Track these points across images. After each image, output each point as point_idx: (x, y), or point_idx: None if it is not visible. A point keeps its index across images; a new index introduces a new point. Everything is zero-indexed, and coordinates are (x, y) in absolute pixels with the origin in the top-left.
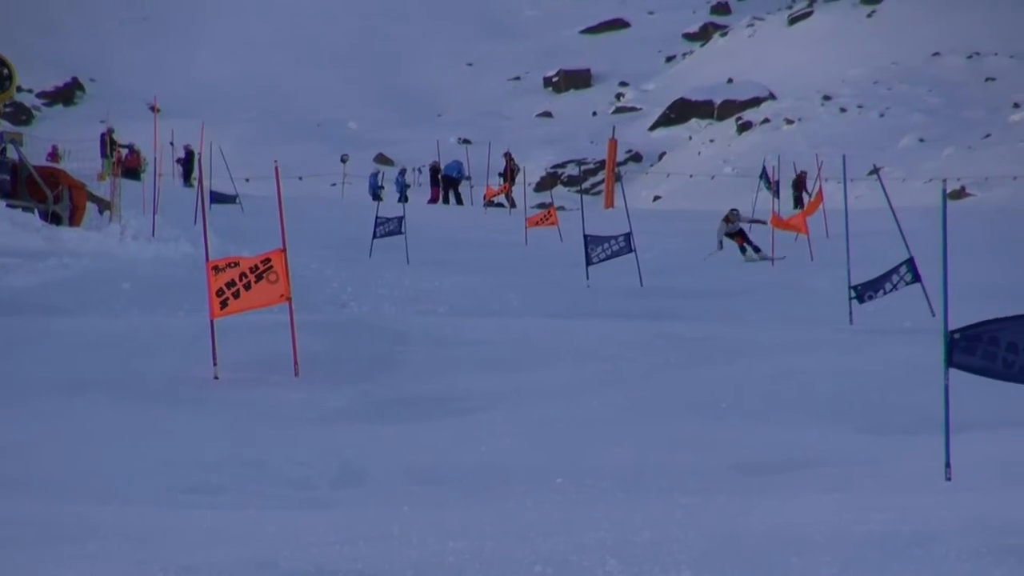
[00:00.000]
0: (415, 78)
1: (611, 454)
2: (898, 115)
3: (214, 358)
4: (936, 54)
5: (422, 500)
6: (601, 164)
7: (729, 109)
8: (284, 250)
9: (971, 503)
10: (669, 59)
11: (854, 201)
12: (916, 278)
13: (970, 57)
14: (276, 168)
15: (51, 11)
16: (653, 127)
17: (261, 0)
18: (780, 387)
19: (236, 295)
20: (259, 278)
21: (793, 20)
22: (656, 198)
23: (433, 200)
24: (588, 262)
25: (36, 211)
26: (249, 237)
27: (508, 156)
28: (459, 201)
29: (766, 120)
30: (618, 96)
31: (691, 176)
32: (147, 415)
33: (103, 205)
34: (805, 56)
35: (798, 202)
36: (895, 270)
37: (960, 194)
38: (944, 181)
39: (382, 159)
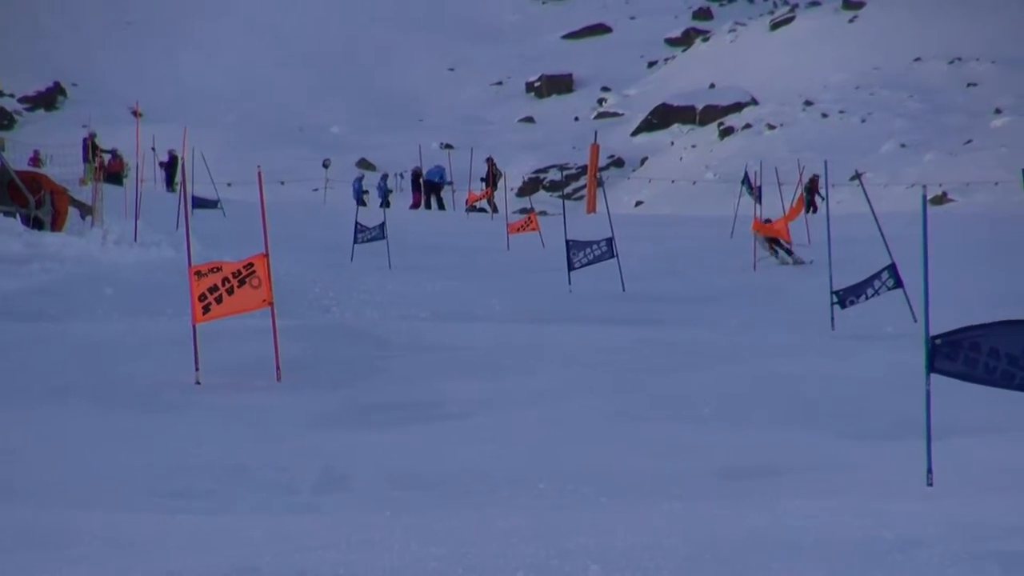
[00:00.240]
0: (397, 83)
1: (593, 459)
2: (880, 120)
3: (196, 363)
4: (918, 59)
5: (404, 505)
6: (583, 169)
7: (711, 114)
8: (267, 255)
9: (953, 508)
10: (651, 64)
11: (836, 207)
12: (898, 283)
13: (952, 63)
14: (259, 173)
15: (33, 15)
16: (635, 132)
17: (244, 5)
18: (762, 392)
19: (219, 300)
20: (242, 283)
21: (775, 25)
22: (638, 203)
23: (415, 205)
24: (570, 267)
25: (18, 216)
26: (231, 242)
27: (490, 161)
28: (441, 206)
29: (748, 125)
30: (600, 101)
31: (673, 181)
32: (130, 420)
33: (85, 210)
34: (787, 61)
35: (811, 205)
36: (877, 275)
37: (942, 200)
38: (925, 187)
39: (364, 164)
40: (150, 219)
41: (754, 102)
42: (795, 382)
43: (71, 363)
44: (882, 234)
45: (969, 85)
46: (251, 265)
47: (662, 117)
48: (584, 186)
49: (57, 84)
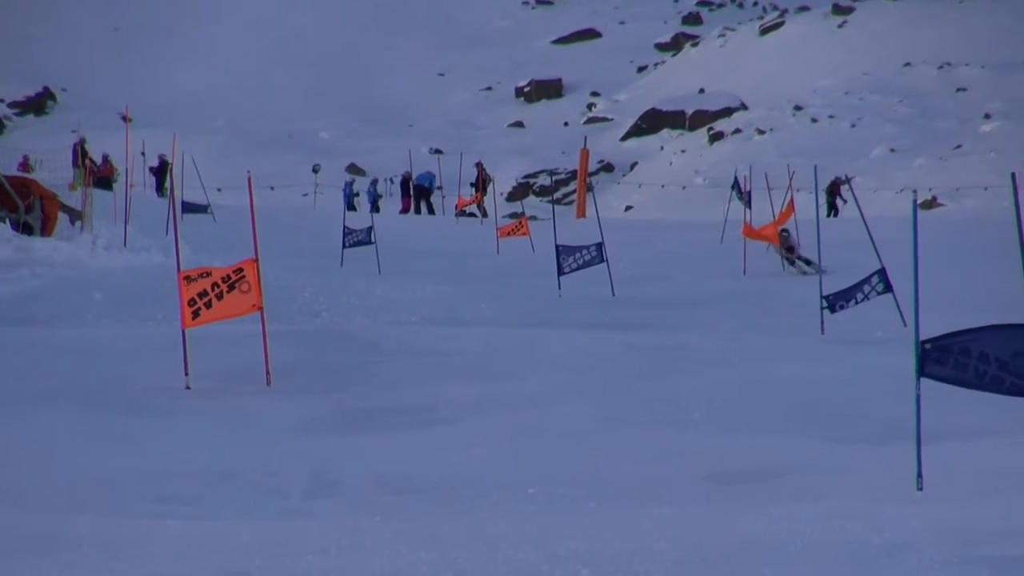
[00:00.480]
0: (386, 88)
1: (583, 464)
2: (869, 125)
3: (186, 368)
4: (907, 64)
5: (394, 510)
6: (573, 174)
7: (701, 119)
8: (256, 260)
9: (943, 513)
10: (641, 69)
11: (825, 211)
12: (887, 288)
13: (941, 67)
14: (248, 178)
15: (23, 21)
16: (625, 137)
17: (233, 11)
18: (752, 397)
19: (208, 305)
20: (231, 288)
21: (764, 30)
22: (628, 208)
23: (404, 210)
24: (560, 272)
25: (7, 221)
26: (221, 247)
27: (480, 166)
28: (431, 211)
29: (737, 130)
30: (590, 106)
31: (663, 186)
32: (119, 425)
33: (75, 215)
34: (776, 66)
35: (832, 208)
36: (867, 280)
37: (931, 204)
38: (915, 191)
39: (354, 169)
40: (140, 224)
41: (744, 107)
42: (785, 386)
43: (60, 368)
44: (872, 239)
45: (959, 90)
46: (241, 270)
47: (652, 122)
48: (574, 191)
49: (47, 89)
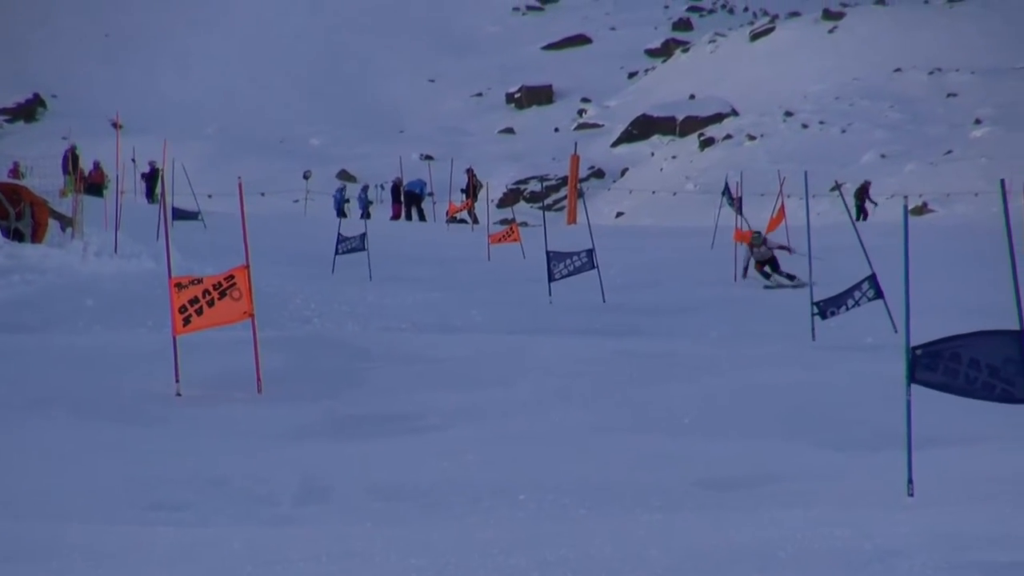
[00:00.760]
0: (377, 94)
1: (573, 470)
2: (860, 131)
3: (177, 375)
4: (898, 70)
5: (384, 517)
6: (563, 180)
7: (691, 125)
8: (247, 267)
9: (933, 519)
10: (631, 75)
11: (816, 217)
12: (878, 294)
13: (932, 73)
14: (239, 184)
15: (12, 27)
16: (615, 143)
17: (223, 17)
18: (742, 403)
19: (199, 312)
20: (222, 295)
21: (755, 36)
22: (619, 214)
23: (395, 216)
24: (551, 278)
25: None
26: (212, 254)
27: (470, 172)
28: (422, 217)
29: (728, 136)
30: (580, 112)
31: (654, 192)
32: (109, 432)
33: (65, 222)
34: (767, 72)
35: (861, 212)
36: (857, 286)
37: (922, 210)
38: (906, 197)
39: (345, 175)
40: (130, 231)
41: (734, 113)
42: (775, 393)
43: (51, 375)
44: (862, 245)
45: (949, 95)
46: (232, 277)
47: (642, 128)
48: (564, 197)
49: (37, 96)
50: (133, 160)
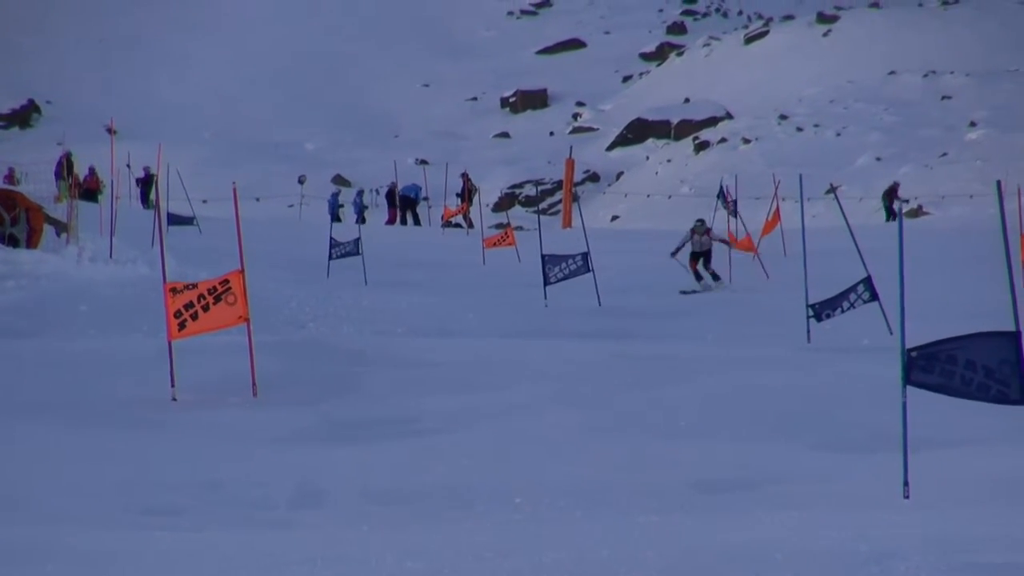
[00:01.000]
0: (372, 99)
1: (569, 473)
2: (855, 134)
3: (172, 380)
4: (892, 73)
5: (380, 521)
6: (558, 184)
7: (686, 129)
8: (242, 271)
9: (929, 521)
10: (626, 79)
11: (811, 220)
12: (873, 296)
13: (926, 75)
14: (234, 189)
15: (7, 33)
16: (610, 147)
17: (217, 22)
18: (738, 405)
19: (194, 317)
20: (217, 300)
21: (749, 39)
22: (614, 218)
23: (391, 221)
24: (546, 282)
25: None
26: (207, 258)
27: (465, 176)
28: (417, 222)
29: (723, 139)
30: (575, 116)
31: (648, 196)
32: (105, 437)
33: (60, 227)
34: (761, 75)
35: (890, 212)
36: (852, 288)
37: (917, 213)
38: (902, 200)
39: (339, 180)
40: (125, 236)
41: (729, 116)
42: (771, 395)
43: (46, 380)
44: (857, 247)
45: (944, 98)
46: (227, 281)
47: (637, 132)
48: (560, 201)
49: (31, 102)
50: (128, 165)
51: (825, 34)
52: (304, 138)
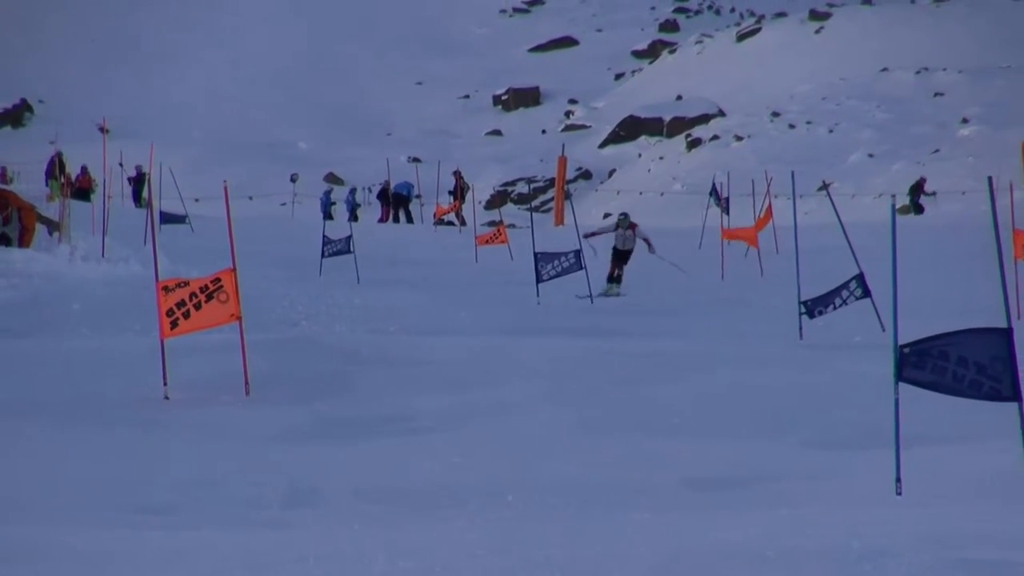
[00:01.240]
0: (364, 97)
1: (561, 471)
2: (847, 131)
3: (164, 378)
4: (885, 70)
5: (373, 519)
6: (551, 182)
7: (678, 126)
8: (234, 270)
9: (922, 518)
10: (618, 77)
11: (804, 217)
12: (866, 293)
13: (919, 72)
14: (226, 188)
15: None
16: (603, 144)
17: (210, 22)
18: (730, 403)
19: (186, 315)
20: (209, 298)
21: (741, 37)
22: (606, 215)
23: (383, 219)
24: (538, 279)
25: None
26: (199, 257)
27: (458, 174)
28: (409, 219)
29: (715, 137)
30: (567, 114)
31: (641, 193)
32: (97, 436)
33: (53, 226)
34: (754, 73)
35: (917, 207)
36: (845, 285)
37: (909, 209)
38: (893, 196)
39: (332, 178)
40: (118, 235)
41: (721, 113)
42: (763, 392)
43: (39, 379)
44: (850, 244)
45: (936, 95)
46: (219, 280)
47: (629, 129)
48: (552, 199)
49: (24, 101)
50: (120, 164)
51: (817, 31)
52: (297, 137)
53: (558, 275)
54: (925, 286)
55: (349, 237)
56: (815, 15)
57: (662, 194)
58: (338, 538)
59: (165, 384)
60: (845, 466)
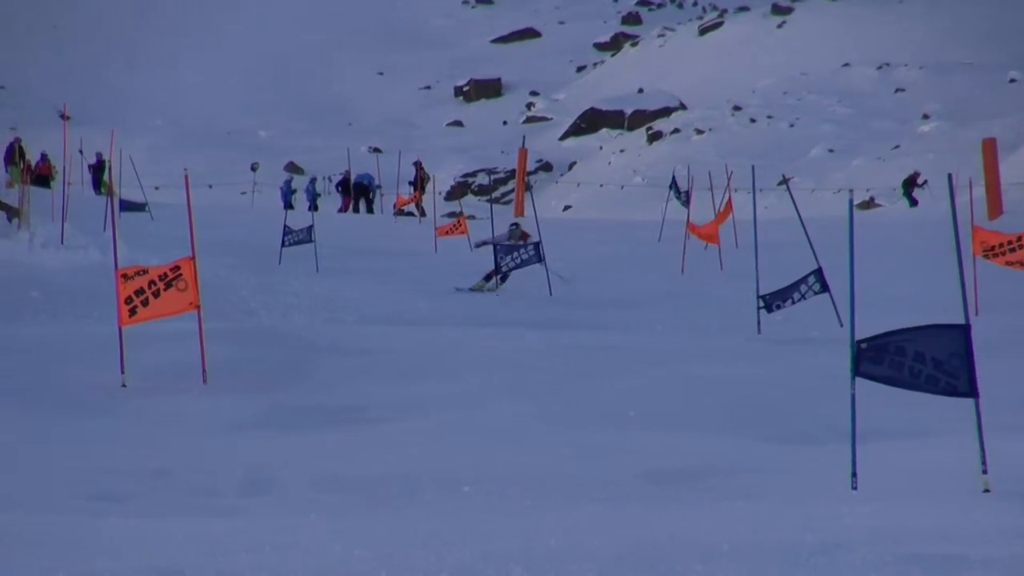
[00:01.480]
0: (326, 87)
1: (518, 462)
2: (808, 125)
3: (122, 366)
4: (846, 65)
5: (328, 508)
6: (511, 173)
7: (639, 119)
8: (193, 258)
9: (877, 512)
10: (580, 69)
11: (763, 211)
12: (824, 288)
13: (880, 68)
14: (186, 176)
15: None
16: (564, 137)
17: (171, 10)
18: (687, 396)
19: (145, 303)
20: (168, 286)
21: (704, 30)
22: (566, 207)
23: (343, 209)
24: (498, 271)
25: None
26: (159, 245)
27: (418, 165)
28: (369, 210)
29: (676, 130)
30: (529, 106)
31: (601, 186)
32: (54, 423)
33: (12, 213)
34: (715, 66)
35: (911, 200)
36: (803, 280)
37: (869, 205)
38: (852, 191)
39: (293, 167)
40: (77, 222)
41: (683, 107)
42: (721, 386)
43: None
44: (808, 239)
45: (897, 91)
46: (178, 268)
47: (591, 122)
48: (512, 190)
49: None
50: (81, 151)
51: (779, 26)
52: (258, 126)
53: (517, 267)
54: (884, 282)
55: (310, 227)
56: (777, 10)
57: (622, 187)
58: (294, 526)
59: (123, 372)
60: (801, 460)
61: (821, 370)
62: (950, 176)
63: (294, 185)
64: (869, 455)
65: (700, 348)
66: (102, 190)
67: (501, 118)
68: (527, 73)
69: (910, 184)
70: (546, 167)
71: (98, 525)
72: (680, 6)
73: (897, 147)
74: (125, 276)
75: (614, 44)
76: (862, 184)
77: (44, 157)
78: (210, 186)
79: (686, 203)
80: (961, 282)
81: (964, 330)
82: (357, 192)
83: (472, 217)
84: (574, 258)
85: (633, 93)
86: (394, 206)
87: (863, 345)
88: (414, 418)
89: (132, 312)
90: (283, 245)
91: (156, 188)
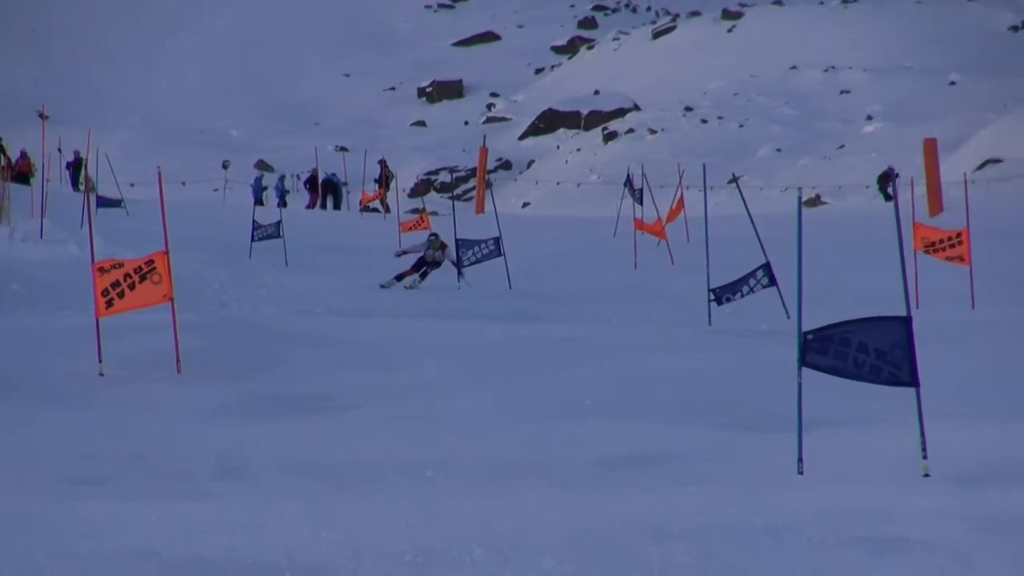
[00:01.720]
0: (294, 88)
1: (479, 449)
2: (756, 126)
3: (99, 356)
4: (794, 68)
5: (297, 492)
6: (472, 172)
7: (595, 119)
8: (167, 252)
9: (822, 496)
10: (538, 71)
11: (714, 208)
12: (772, 282)
13: (826, 71)
14: (159, 173)
15: None
16: (523, 136)
17: (146, 12)
18: (641, 386)
19: (121, 295)
20: (143, 279)
21: (657, 34)
22: (525, 204)
23: (311, 205)
24: (459, 265)
25: None
26: (134, 240)
27: (383, 163)
28: (336, 206)
29: (631, 130)
30: (489, 106)
31: (558, 184)
32: (34, 411)
33: None
34: (668, 69)
35: (887, 197)
36: (752, 274)
37: (815, 202)
38: (800, 189)
39: (263, 165)
40: (56, 218)
41: (637, 108)
42: (672, 377)
43: None
44: (757, 234)
45: (842, 92)
46: (152, 262)
47: (549, 122)
48: (473, 188)
49: None
50: (59, 150)
51: (730, 30)
52: (229, 125)
53: (478, 261)
54: (829, 276)
55: (279, 222)
56: (728, 14)
57: (579, 185)
58: (264, 510)
59: (100, 361)
60: (750, 447)
61: (769, 361)
62: (894, 174)
63: (264, 182)
64: (815, 442)
65: (654, 340)
66: (80, 187)
67: (462, 118)
68: (487, 75)
69: (885, 180)
70: (506, 165)
71: (77, 508)
72: (634, 11)
73: (842, 147)
74: (102, 269)
75: (571, 47)
76: (809, 182)
77: (24, 155)
78: (183, 183)
79: (640, 200)
80: (903, 276)
81: (906, 322)
82: (325, 189)
83: (435, 213)
84: (532, 253)
85: (589, 95)
86: (360, 203)
87: (809, 336)
88: (380, 406)
89: (109, 304)
90: (253, 240)
91: (132, 185)
